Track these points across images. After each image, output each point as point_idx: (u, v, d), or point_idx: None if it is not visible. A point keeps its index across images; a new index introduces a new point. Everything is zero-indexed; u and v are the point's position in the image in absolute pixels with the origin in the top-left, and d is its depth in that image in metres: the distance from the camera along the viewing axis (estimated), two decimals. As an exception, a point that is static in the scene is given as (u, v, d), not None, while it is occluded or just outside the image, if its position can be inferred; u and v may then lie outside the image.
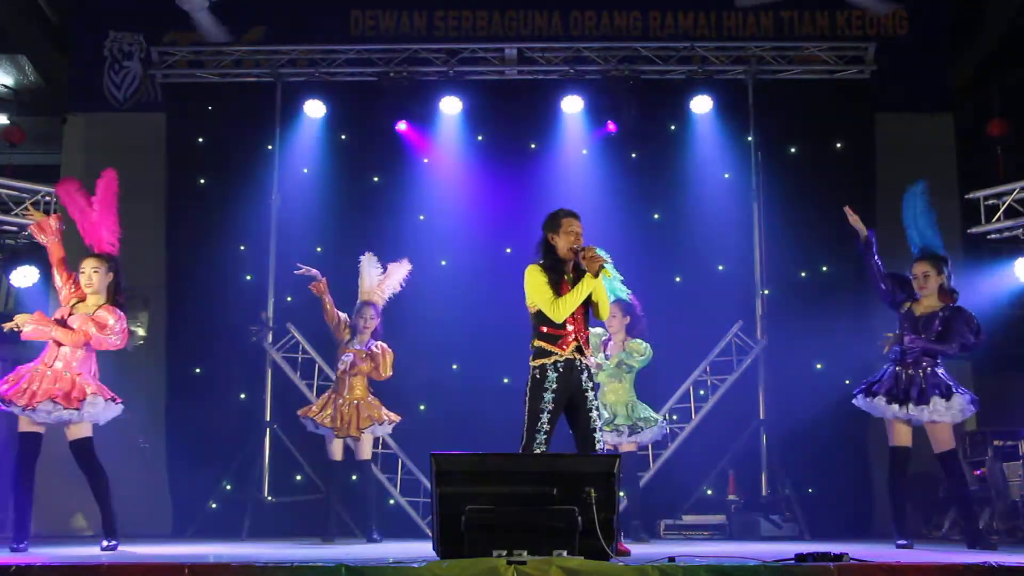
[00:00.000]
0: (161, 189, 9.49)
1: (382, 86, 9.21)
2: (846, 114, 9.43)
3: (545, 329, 5.35)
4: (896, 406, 6.16)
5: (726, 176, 9.42)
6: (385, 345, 7.41)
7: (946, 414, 6.08)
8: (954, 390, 6.12)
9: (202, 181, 9.57)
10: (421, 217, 9.43)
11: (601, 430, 5.44)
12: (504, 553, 3.88)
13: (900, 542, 6.11)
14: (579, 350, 5.36)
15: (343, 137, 9.58)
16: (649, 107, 9.30)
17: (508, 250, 9.12)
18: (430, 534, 4.97)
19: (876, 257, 6.40)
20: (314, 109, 9.36)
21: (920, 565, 3.97)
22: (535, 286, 5.36)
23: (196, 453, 8.86)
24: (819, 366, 9.01)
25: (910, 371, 6.21)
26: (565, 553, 3.95)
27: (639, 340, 7.34)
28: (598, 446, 5.33)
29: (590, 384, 5.38)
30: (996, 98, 10.27)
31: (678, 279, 9.31)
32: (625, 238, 8.39)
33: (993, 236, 8.92)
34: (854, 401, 6.45)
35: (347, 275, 7.76)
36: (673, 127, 9.55)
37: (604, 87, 9.26)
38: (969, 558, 4.26)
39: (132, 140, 9.62)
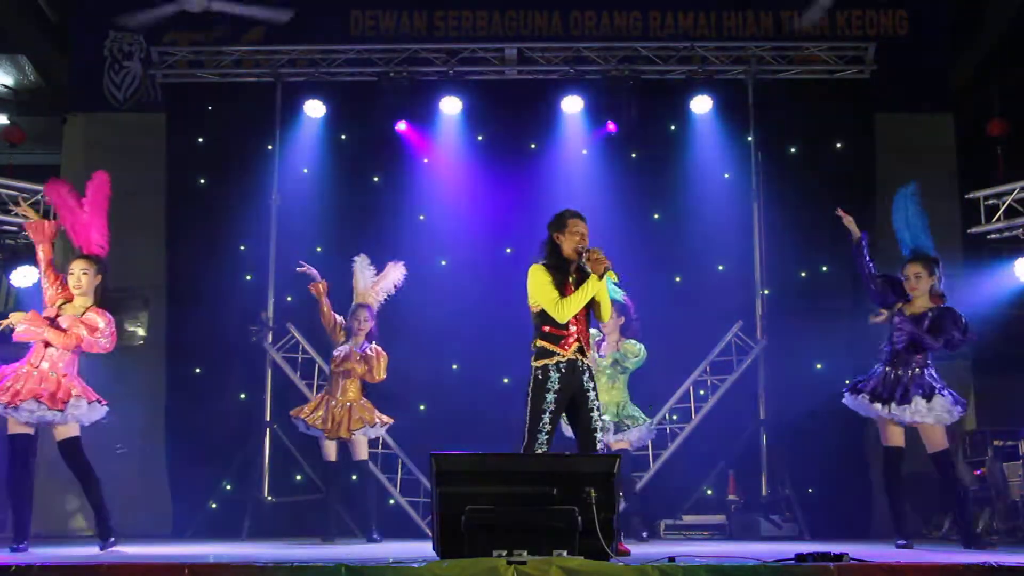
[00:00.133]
0: (161, 189, 9.48)
1: (382, 86, 9.21)
2: (846, 114, 9.43)
3: (547, 329, 5.35)
4: (879, 405, 6.20)
5: (726, 176, 9.42)
6: (379, 348, 7.41)
7: (928, 415, 6.10)
8: (937, 391, 6.14)
9: (202, 181, 9.57)
10: (421, 217, 9.43)
11: (602, 430, 5.44)
12: (504, 553, 3.88)
13: (900, 542, 6.12)
14: (581, 350, 5.36)
15: (343, 137, 9.58)
16: (649, 107, 9.30)
17: (508, 250, 9.13)
18: (430, 534, 4.97)
19: (867, 259, 6.44)
20: (314, 109, 9.37)
21: (920, 565, 3.97)
22: (539, 285, 5.36)
23: (196, 453, 8.86)
24: (819, 366, 9.00)
25: (899, 371, 6.24)
26: (565, 553, 3.95)
27: (633, 341, 7.35)
28: (599, 446, 5.34)
29: (591, 384, 5.39)
30: (996, 98, 10.26)
31: (678, 279, 9.31)
32: (625, 238, 8.40)
33: (993, 236, 8.93)
34: (844, 400, 6.48)
35: (346, 275, 7.75)
36: (673, 127, 9.55)
37: (604, 87, 9.27)
38: (969, 558, 4.26)
39: (132, 140, 9.63)
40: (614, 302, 7.08)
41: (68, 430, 5.89)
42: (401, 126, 9.36)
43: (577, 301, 5.32)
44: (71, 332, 5.87)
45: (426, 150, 9.52)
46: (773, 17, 9.92)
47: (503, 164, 9.36)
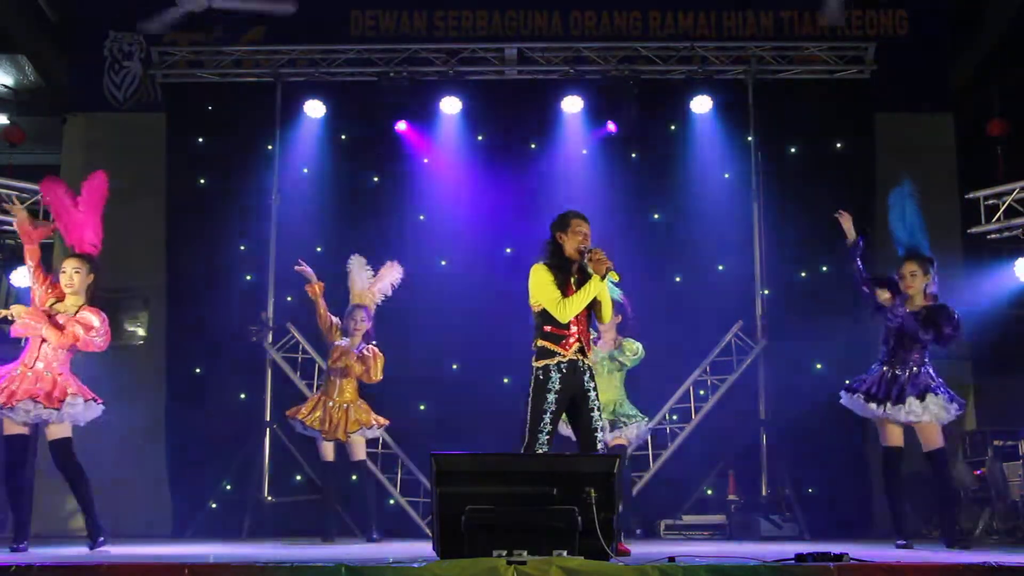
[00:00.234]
0: (161, 189, 9.49)
1: (382, 86, 9.21)
2: (846, 114, 9.44)
3: (549, 329, 5.35)
4: (874, 405, 6.22)
5: (726, 176, 9.43)
6: (376, 349, 7.38)
7: (923, 415, 6.11)
8: (932, 390, 6.14)
9: (202, 181, 9.58)
10: (421, 217, 9.44)
11: (603, 430, 5.44)
12: (504, 553, 3.87)
13: (900, 542, 6.12)
14: (582, 351, 5.36)
15: (343, 137, 9.59)
16: (649, 107, 9.30)
17: (508, 250, 9.14)
18: (430, 534, 4.97)
19: (859, 262, 6.45)
20: (314, 109, 9.37)
21: (920, 565, 3.97)
22: (541, 285, 5.36)
23: (196, 453, 8.87)
24: (819, 366, 9.01)
25: (896, 371, 6.25)
26: (565, 553, 3.94)
27: (632, 339, 7.34)
28: (599, 446, 5.34)
29: (592, 384, 5.38)
30: (996, 98, 10.26)
31: (678, 279, 9.32)
32: (625, 238, 8.42)
33: (993, 236, 8.93)
34: (841, 399, 6.49)
35: (346, 275, 7.75)
36: (673, 127, 9.55)
37: (604, 87, 9.27)
38: (969, 558, 4.26)
39: (132, 140, 9.64)
40: (612, 301, 7.10)
41: (60, 431, 5.87)
42: (401, 126, 9.37)
43: (579, 301, 5.32)
44: (68, 330, 5.86)
45: (426, 150, 9.52)
46: (773, 17, 9.92)
47: (503, 164, 9.36)
